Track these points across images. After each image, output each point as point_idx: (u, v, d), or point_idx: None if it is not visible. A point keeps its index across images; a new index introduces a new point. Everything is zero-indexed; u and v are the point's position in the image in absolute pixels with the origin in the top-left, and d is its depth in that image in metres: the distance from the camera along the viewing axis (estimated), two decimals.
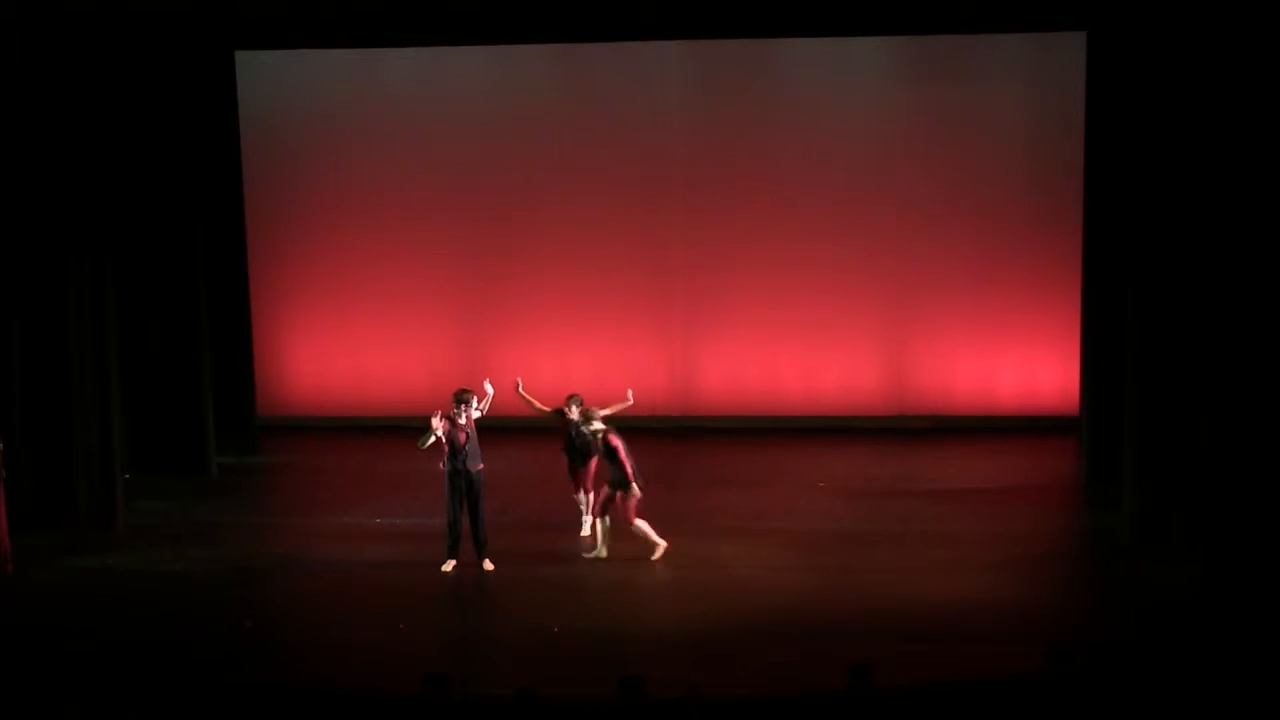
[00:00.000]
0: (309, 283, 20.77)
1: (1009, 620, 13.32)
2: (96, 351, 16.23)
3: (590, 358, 19.11)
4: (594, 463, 15.78)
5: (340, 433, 20.35)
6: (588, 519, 15.68)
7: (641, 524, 14.91)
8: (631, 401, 16.10)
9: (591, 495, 15.68)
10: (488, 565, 14.81)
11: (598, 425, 14.98)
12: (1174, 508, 14.91)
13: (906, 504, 16.90)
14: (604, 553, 14.97)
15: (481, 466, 14.86)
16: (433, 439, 14.79)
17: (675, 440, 19.19)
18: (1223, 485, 14.56)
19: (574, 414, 15.58)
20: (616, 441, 14.85)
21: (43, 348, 16.02)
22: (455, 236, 20.55)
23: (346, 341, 20.73)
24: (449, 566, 14.80)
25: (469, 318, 20.66)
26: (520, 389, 15.92)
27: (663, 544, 14.93)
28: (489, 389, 15.25)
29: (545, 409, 16.02)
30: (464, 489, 14.79)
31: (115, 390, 16.46)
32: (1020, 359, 20.05)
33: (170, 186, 18.08)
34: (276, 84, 20.35)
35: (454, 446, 14.77)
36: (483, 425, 15.05)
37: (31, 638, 12.84)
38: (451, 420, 14.81)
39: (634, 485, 14.78)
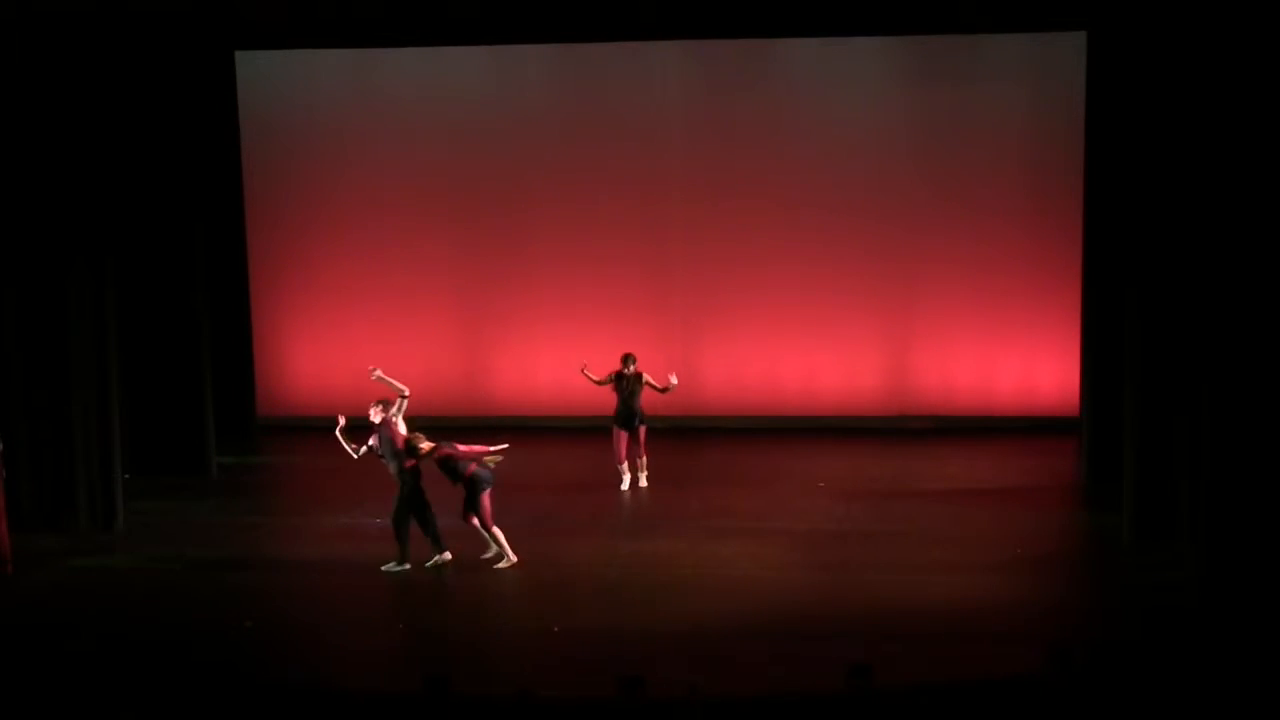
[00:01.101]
0: (309, 283, 20.77)
1: (1009, 620, 13.32)
2: (96, 351, 16.22)
3: (590, 357, 19.04)
4: (642, 431, 17.39)
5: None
6: (627, 477, 17.43)
7: (497, 531, 14.80)
8: (675, 384, 17.43)
9: (646, 457, 17.44)
10: (445, 556, 14.80)
11: (426, 445, 14.79)
12: (1174, 508, 14.91)
13: (907, 504, 16.89)
14: (513, 557, 14.84)
15: (408, 464, 14.77)
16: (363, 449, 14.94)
17: (675, 440, 19.18)
18: (1223, 485, 14.59)
19: (630, 370, 17.29)
20: (448, 451, 14.74)
21: (43, 348, 16.02)
22: (455, 236, 20.55)
23: (346, 341, 20.71)
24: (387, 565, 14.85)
25: (469, 317, 20.66)
26: (584, 370, 17.47)
27: (513, 557, 14.77)
28: (374, 375, 15.23)
29: (603, 378, 17.48)
30: (400, 491, 14.88)
31: (115, 390, 16.46)
32: (1020, 359, 20.05)
33: (170, 186, 18.07)
34: (276, 84, 20.34)
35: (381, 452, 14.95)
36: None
37: (31, 638, 12.84)
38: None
39: (482, 472, 14.61)
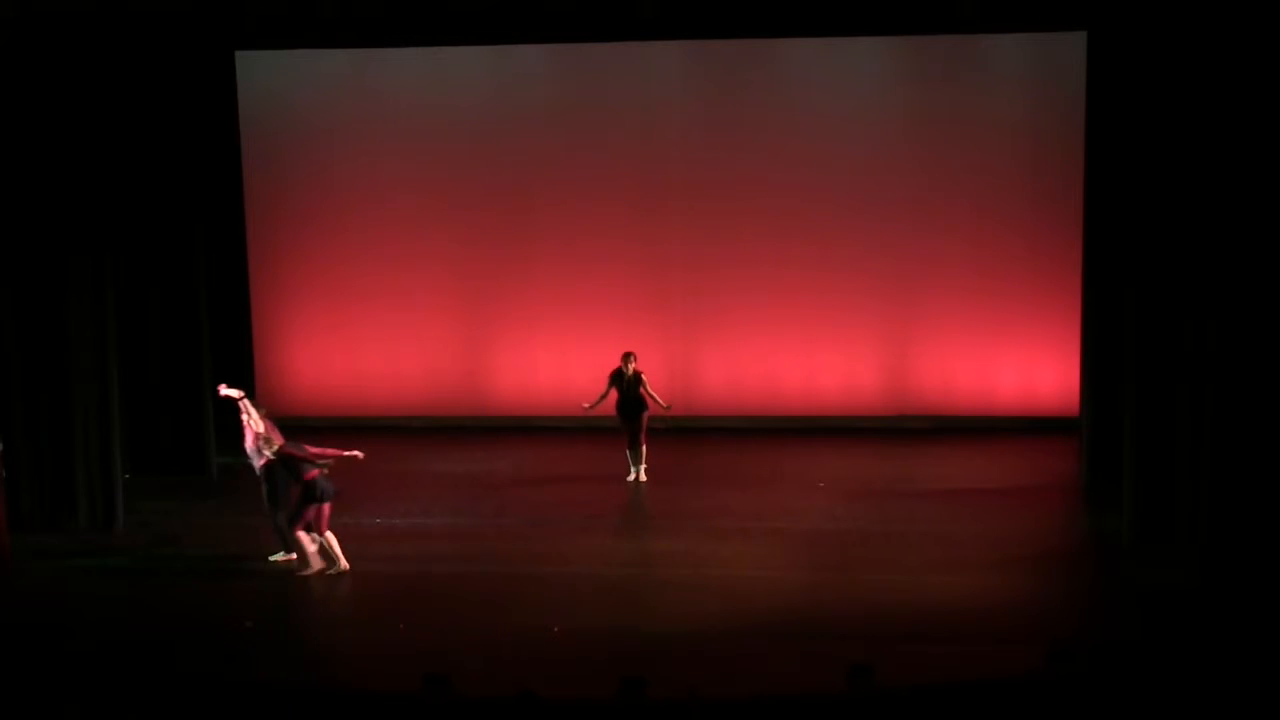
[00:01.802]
0: (309, 283, 20.77)
1: (1009, 620, 13.32)
2: (96, 351, 16.23)
3: (590, 357, 19.09)
4: (645, 417, 17.51)
5: (340, 433, 20.25)
6: (640, 466, 17.65)
7: (330, 536, 14.76)
8: (668, 408, 17.82)
9: (645, 448, 17.63)
10: (287, 556, 15.01)
11: (277, 442, 14.90)
12: (1174, 508, 14.92)
13: (906, 504, 16.89)
14: (344, 564, 14.77)
15: (262, 462, 15.05)
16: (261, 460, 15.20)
17: (675, 440, 19.17)
18: (1223, 485, 14.59)
19: (629, 368, 17.45)
20: (291, 450, 14.76)
21: (42, 348, 16.02)
22: (455, 236, 20.54)
23: (346, 341, 20.73)
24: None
25: (469, 317, 20.65)
26: (585, 408, 17.66)
27: (345, 564, 14.74)
28: (222, 392, 15.91)
29: (604, 390, 17.65)
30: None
31: (115, 390, 16.46)
32: (1020, 359, 20.05)
33: (170, 186, 18.07)
34: (276, 84, 20.35)
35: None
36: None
37: (31, 638, 12.82)
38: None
39: (321, 481, 14.61)
